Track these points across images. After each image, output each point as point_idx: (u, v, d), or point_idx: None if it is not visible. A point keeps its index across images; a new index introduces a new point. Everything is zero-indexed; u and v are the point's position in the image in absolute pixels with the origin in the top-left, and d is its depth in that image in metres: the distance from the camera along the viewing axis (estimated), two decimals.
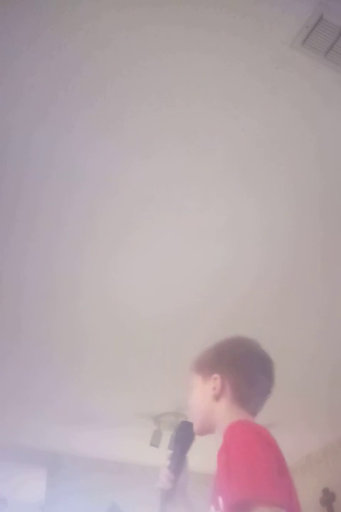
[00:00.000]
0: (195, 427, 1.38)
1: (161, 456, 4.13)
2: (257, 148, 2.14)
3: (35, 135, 2.04)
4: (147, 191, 2.31)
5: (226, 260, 2.69)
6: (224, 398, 1.33)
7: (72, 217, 2.41)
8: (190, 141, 2.09)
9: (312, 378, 3.63)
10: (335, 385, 3.70)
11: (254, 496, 1.01)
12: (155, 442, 4.20)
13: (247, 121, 2.03)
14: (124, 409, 4.14)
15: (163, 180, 2.26)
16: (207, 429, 1.36)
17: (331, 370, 3.55)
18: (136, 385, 3.76)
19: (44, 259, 2.63)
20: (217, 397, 1.34)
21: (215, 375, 1.36)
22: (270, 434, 1.23)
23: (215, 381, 1.35)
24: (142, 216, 2.43)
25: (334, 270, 2.79)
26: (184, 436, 1.42)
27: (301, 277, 2.83)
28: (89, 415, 4.23)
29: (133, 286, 2.84)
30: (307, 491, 4.62)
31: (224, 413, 1.31)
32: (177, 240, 2.57)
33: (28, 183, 2.24)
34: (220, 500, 1.12)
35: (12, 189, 2.26)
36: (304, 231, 2.55)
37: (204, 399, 1.36)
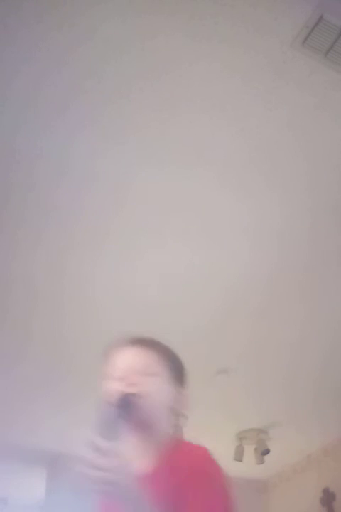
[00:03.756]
0: (144, 415, 1.21)
1: None
2: (256, 149, 2.14)
3: (45, 139, 2.05)
4: (146, 195, 2.31)
5: (226, 260, 2.70)
6: (175, 414, 1.28)
7: (62, 214, 2.41)
8: (190, 141, 2.10)
9: (312, 378, 3.63)
10: (336, 385, 3.70)
11: None
12: None
13: (246, 121, 2.03)
14: None
15: (163, 183, 2.27)
16: (148, 429, 1.23)
17: (332, 371, 3.55)
18: None
19: (54, 263, 2.64)
20: (175, 411, 1.27)
21: (181, 390, 1.30)
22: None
23: (183, 397, 1.30)
24: (141, 215, 2.43)
25: (323, 272, 2.79)
26: (129, 405, 1.19)
27: (315, 278, 2.82)
28: (89, 415, 4.22)
29: (133, 288, 2.84)
30: (307, 491, 4.62)
31: (168, 428, 1.25)
32: (177, 241, 2.58)
33: (38, 187, 2.25)
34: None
35: (22, 193, 2.27)
36: (318, 229, 2.55)
37: (165, 400, 1.26)
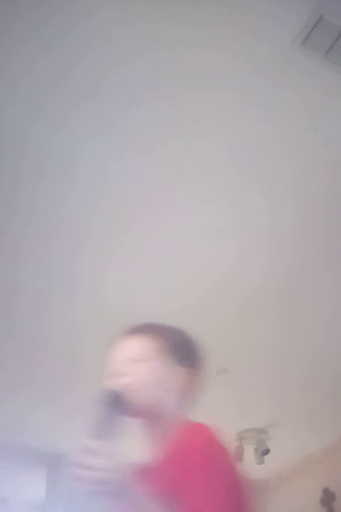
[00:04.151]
0: (136, 406, 1.14)
1: None
2: (256, 148, 2.14)
3: (31, 132, 2.03)
4: (147, 190, 2.31)
5: (226, 261, 2.69)
6: (183, 395, 1.22)
7: (70, 215, 2.40)
8: (189, 140, 2.10)
9: (313, 378, 3.63)
10: (336, 385, 3.70)
11: None
12: None
13: (246, 120, 2.03)
14: None
15: (163, 179, 2.26)
16: (145, 417, 1.18)
17: (332, 370, 3.55)
18: None
19: (41, 258, 2.63)
20: (179, 393, 1.21)
21: (190, 371, 1.24)
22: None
23: (188, 377, 1.23)
24: (141, 216, 2.43)
25: (339, 270, 2.79)
26: (117, 398, 1.12)
27: (305, 279, 2.83)
28: (89, 415, 4.22)
29: (133, 287, 2.84)
30: (307, 491, 4.62)
31: (176, 411, 1.20)
32: (176, 240, 2.57)
33: (24, 181, 2.23)
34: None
35: (8, 187, 2.25)
36: (307, 231, 2.55)
37: (166, 387, 1.20)
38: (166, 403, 1.19)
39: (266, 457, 4.28)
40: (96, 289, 2.86)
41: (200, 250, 2.64)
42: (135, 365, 1.20)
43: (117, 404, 1.10)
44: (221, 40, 1.76)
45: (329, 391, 3.77)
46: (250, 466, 4.37)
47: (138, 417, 1.17)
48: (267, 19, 1.70)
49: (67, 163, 2.16)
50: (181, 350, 1.27)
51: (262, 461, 4.28)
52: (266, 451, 4.23)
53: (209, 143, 2.11)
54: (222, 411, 3.87)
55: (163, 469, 1.07)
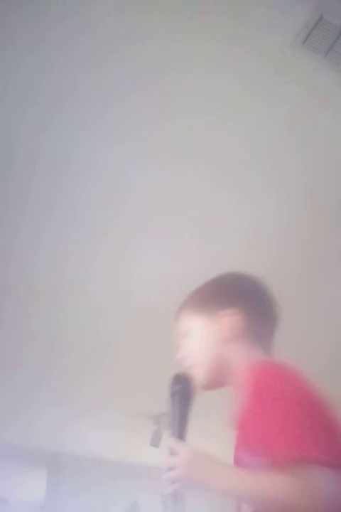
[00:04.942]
0: (203, 380, 1.14)
1: (161, 456, 4.13)
2: (256, 149, 2.14)
3: (43, 138, 2.05)
4: (147, 194, 2.32)
5: (223, 261, 2.69)
6: (240, 337, 1.14)
7: (80, 219, 2.43)
8: (189, 140, 2.10)
9: (318, 376, 3.63)
10: (331, 386, 3.70)
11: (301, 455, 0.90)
12: (155, 442, 4.20)
13: (247, 121, 2.03)
14: (124, 409, 4.14)
15: (162, 184, 2.27)
16: (218, 381, 1.15)
17: (325, 370, 3.55)
18: (136, 384, 3.76)
19: (51, 260, 2.65)
20: (232, 338, 1.14)
21: (231, 311, 1.16)
22: (297, 373, 1.09)
23: (231, 317, 1.15)
24: (142, 220, 2.44)
25: (322, 273, 2.80)
26: (183, 391, 1.13)
27: (289, 280, 2.83)
28: (90, 415, 4.23)
29: (133, 287, 2.84)
30: None
31: (242, 355, 1.13)
32: (176, 242, 2.58)
33: (36, 185, 2.25)
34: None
35: (20, 191, 2.28)
36: (299, 233, 2.55)
37: (214, 342, 1.15)
38: (227, 357, 1.14)
39: None
40: (113, 292, 2.87)
41: (203, 251, 2.64)
42: (185, 340, 1.21)
43: (186, 387, 1.13)
44: (221, 38, 1.75)
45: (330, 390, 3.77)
46: None
47: (213, 387, 1.16)
48: (267, 19, 1.69)
49: (59, 160, 2.17)
50: (215, 297, 1.22)
51: None
52: None
53: (208, 143, 2.11)
54: (222, 412, 3.88)
55: (245, 420, 1.05)
